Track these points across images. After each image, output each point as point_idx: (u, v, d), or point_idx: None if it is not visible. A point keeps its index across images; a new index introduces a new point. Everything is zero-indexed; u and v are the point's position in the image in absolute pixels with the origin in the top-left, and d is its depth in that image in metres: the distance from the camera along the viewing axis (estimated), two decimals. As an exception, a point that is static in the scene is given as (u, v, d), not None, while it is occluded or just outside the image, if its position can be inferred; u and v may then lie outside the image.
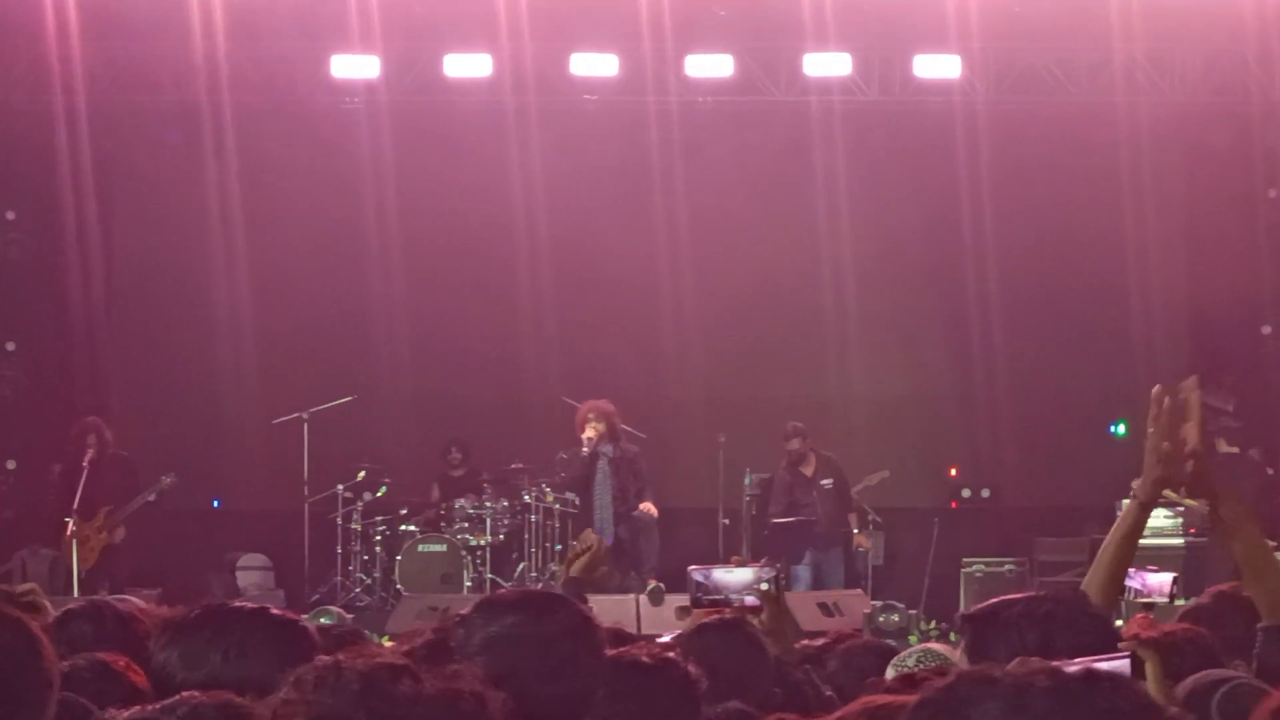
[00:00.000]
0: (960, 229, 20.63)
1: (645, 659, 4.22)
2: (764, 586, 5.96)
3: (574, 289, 20.52)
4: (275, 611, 4.29)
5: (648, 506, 17.62)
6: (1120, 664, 3.42)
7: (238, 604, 4.34)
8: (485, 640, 3.84)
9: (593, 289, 20.54)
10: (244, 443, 20.07)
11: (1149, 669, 3.53)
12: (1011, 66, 19.93)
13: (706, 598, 6.06)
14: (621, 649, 4.26)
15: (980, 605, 4.17)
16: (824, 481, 18.49)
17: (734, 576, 6.17)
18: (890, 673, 5.52)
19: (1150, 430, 4.69)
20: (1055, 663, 3.20)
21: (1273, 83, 20.22)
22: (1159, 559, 16.43)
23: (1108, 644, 3.88)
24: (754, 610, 5.78)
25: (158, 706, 3.30)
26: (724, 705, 4.65)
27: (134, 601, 6.23)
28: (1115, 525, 4.82)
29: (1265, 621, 4.75)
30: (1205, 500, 4.74)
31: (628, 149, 20.45)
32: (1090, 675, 2.41)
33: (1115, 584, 4.72)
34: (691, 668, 4.26)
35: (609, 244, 20.50)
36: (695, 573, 6.20)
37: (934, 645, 6.42)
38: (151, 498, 17.75)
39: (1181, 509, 16.89)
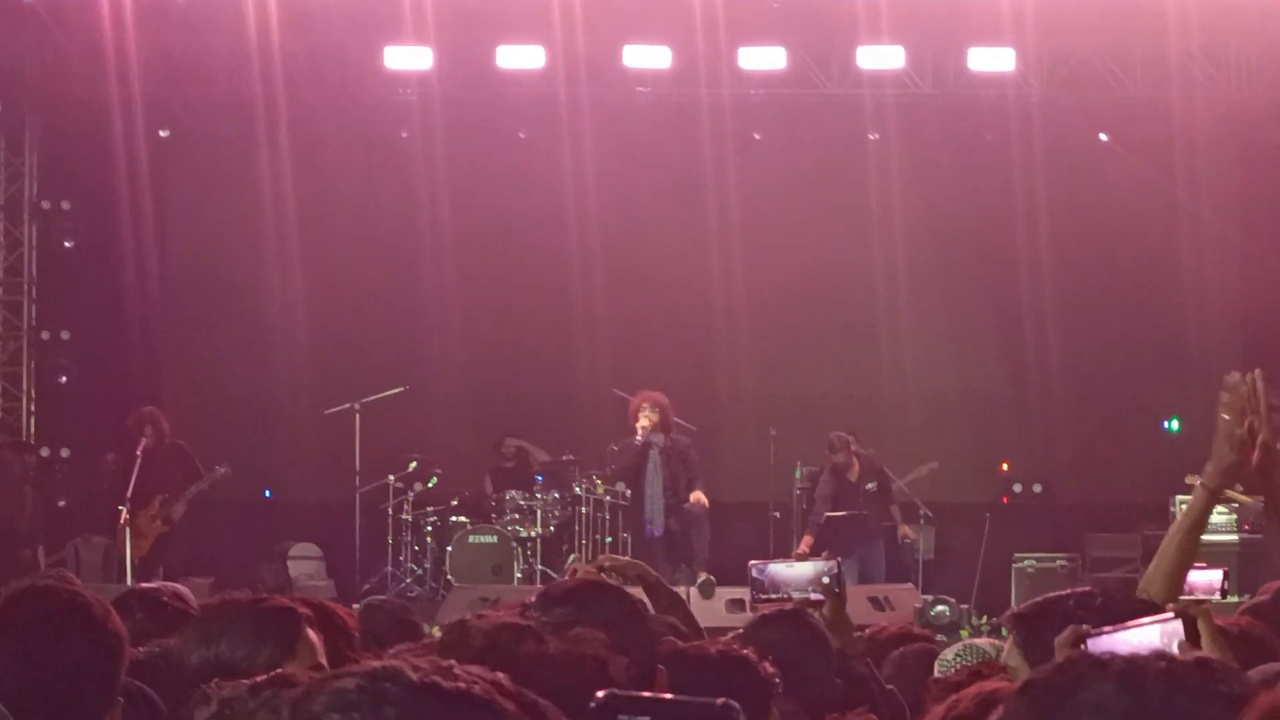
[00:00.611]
0: (1013, 224, 20.56)
1: (714, 653, 4.23)
2: (826, 580, 5.95)
3: (625, 282, 20.51)
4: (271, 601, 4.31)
5: (698, 496, 17.60)
6: (1174, 625, 3.40)
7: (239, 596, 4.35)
8: (542, 627, 3.86)
9: (644, 282, 20.54)
10: (296, 433, 20.14)
11: (1202, 626, 3.50)
12: (1065, 60, 19.85)
13: (763, 596, 6.05)
14: (691, 643, 4.27)
15: (1030, 602, 4.15)
16: (869, 486, 18.46)
17: (793, 571, 6.15)
18: (937, 670, 5.50)
19: (1224, 417, 4.63)
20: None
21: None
22: (1212, 555, 16.31)
23: None
24: (815, 605, 5.77)
25: (249, 683, 3.31)
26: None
27: (177, 589, 6.28)
28: (1181, 517, 4.76)
29: None
30: (1265, 494, 4.70)
31: (680, 142, 20.44)
32: (1203, 662, 2.40)
33: (1180, 579, 4.67)
34: (767, 666, 4.26)
35: (660, 237, 20.51)
36: (754, 569, 6.18)
37: (977, 641, 6.40)
38: (205, 487, 17.81)
39: (1236, 505, 16.87)
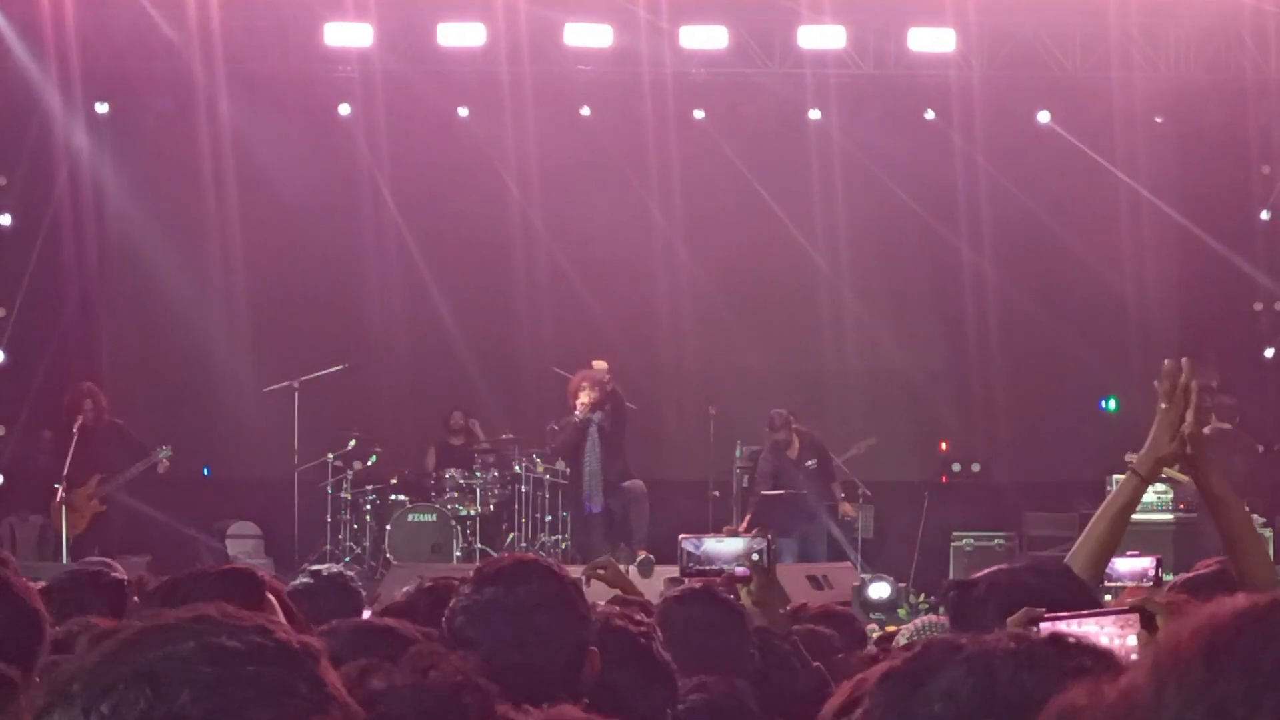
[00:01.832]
0: (954, 203, 20.64)
1: (638, 633, 4.24)
2: (755, 557, 5.96)
3: (567, 260, 20.52)
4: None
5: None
6: (1132, 618, 3.40)
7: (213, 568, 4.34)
8: (468, 608, 3.87)
9: (586, 260, 20.54)
10: (235, 411, 20.07)
11: (1161, 622, 3.50)
12: (1005, 40, 19.90)
13: (696, 568, 6.06)
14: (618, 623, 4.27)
15: (962, 576, 4.16)
16: (808, 462, 18.46)
17: (725, 547, 6.16)
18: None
19: (1163, 406, 4.66)
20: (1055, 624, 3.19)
21: (1267, 59, 20.21)
22: (1148, 535, 16.48)
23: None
24: (744, 580, 5.79)
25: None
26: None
27: (118, 568, 6.26)
28: (1110, 499, 4.79)
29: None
30: (1195, 468, 4.74)
31: (621, 120, 20.44)
32: (1056, 638, 2.39)
33: (1104, 559, 4.70)
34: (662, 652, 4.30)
35: (602, 215, 20.51)
36: (686, 542, 6.20)
37: (933, 618, 6.44)
38: (143, 468, 17.70)
39: (1171, 483, 16.98)
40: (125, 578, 6.03)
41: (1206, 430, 4.85)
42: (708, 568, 6.04)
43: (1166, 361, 4.78)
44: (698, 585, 5.65)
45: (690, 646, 4.55)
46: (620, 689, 4.10)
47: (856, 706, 2.45)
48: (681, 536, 6.29)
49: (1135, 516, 4.90)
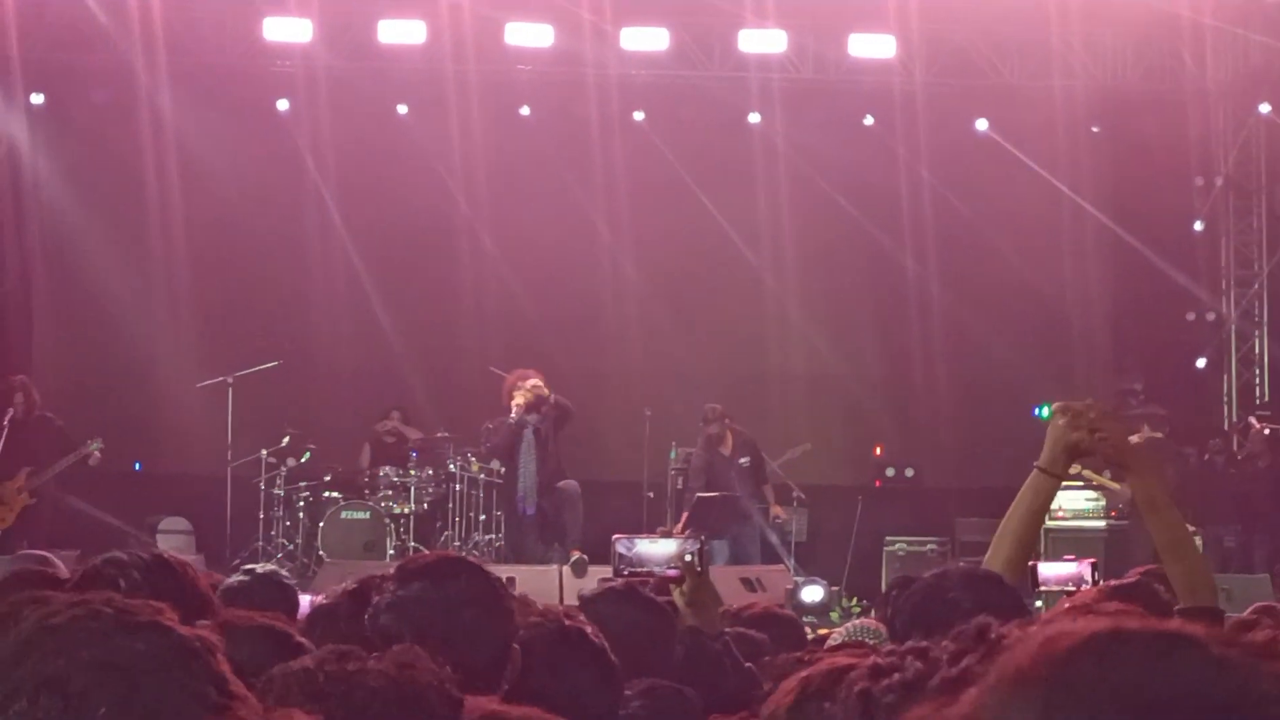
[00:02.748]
0: (894, 209, 20.72)
1: (569, 630, 4.23)
2: (688, 558, 5.95)
3: (505, 260, 20.48)
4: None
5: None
6: None
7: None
8: (393, 604, 3.85)
9: (525, 260, 20.52)
10: (168, 406, 19.95)
11: None
12: (945, 47, 20.01)
13: (629, 569, 6.05)
14: (539, 619, 4.26)
15: (895, 578, 4.16)
16: (741, 460, 18.42)
17: (658, 548, 6.15)
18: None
19: (1057, 406, 4.69)
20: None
21: (1203, 71, 20.38)
22: (1080, 542, 16.59)
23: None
24: (676, 581, 5.78)
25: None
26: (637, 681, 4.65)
27: (58, 565, 6.21)
28: (1019, 498, 4.78)
29: (1181, 604, 4.77)
30: (1129, 474, 4.74)
31: (562, 120, 20.45)
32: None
33: (1023, 560, 4.70)
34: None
35: (541, 215, 20.50)
36: (619, 543, 6.19)
37: (865, 621, 6.44)
38: (73, 463, 17.56)
39: (1104, 491, 17.08)
40: (66, 574, 5.97)
41: (1137, 438, 4.89)
42: (639, 569, 6.04)
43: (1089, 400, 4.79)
44: (618, 584, 5.65)
45: (611, 645, 4.54)
46: (572, 689, 4.10)
47: (809, 704, 2.45)
48: (615, 537, 6.28)
49: (1068, 524, 4.93)
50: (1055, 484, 4.76)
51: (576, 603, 5.51)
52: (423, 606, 3.81)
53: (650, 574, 5.90)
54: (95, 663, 2.01)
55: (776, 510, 18.49)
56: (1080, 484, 17.72)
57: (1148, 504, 4.71)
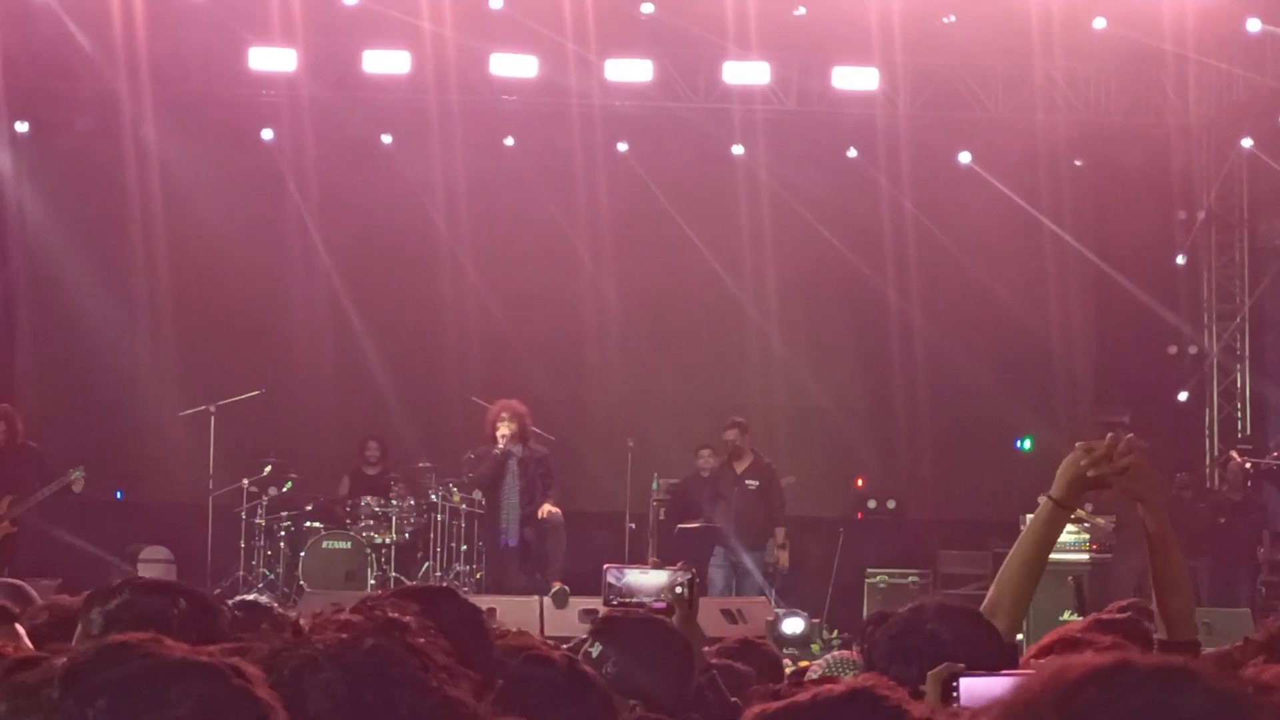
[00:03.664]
0: (877, 241, 20.76)
1: (559, 661, 4.24)
2: (679, 590, 5.94)
3: (489, 289, 20.50)
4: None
5: (548, 508, 17.52)
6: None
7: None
8: None
9: (508, 290, 20.54)
10: (150, 434, 19.93)
11: None
12: (929, 80, 20.06)
13: (618, 600, 6.05)
14: (525, 647, 4.26)
15: (876, 612, 4.16)
16: (749, 482, 18.35)
17: (648, 579, 6.15)
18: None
19: (1081, 445, 4.67)
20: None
21: (1186, 105, 20.45)
22: (1062, 575, 16.57)
23: (1001, 655, 3.92)
24: (664, 613, 5.77)
25: None
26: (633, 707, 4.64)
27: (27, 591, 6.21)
28: (1027, 530, 4.76)
29: (1163, 637, 4.77)
30: (1145, 506, 4.73)
31: (546, 151, 20.48)
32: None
33: (1027, 598, 4.69)
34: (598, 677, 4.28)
35: (525, 245, 20.53)
36: (609, 573, 6.18)
37: (844, 654, 6.44)
38: (56, 491, 17.51)
39: (1087, 525, 17.09)
40: (39, 603, 5.97)
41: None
42: (629, 600, 6.03)
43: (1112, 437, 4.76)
44: (639, 612, 5.63)
45: (637, 670, 4.54)
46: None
47: None
48: (606, 566, 6.28)
49: (1051, 556, 4.89)
50: (1066, 516, 4.76)
51: (561, 635, 5.51)
52: None
53: (640, 605, 5.89)
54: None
55: (780, 556, 18.24)
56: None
57: (1158, 538, 4.70)
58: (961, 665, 3.51)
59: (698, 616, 6.06)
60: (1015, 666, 3.77)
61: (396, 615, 2.65)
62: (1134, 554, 12.01)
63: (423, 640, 2.60)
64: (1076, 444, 4.70)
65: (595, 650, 5.06)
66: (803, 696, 2.54)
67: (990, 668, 3.63)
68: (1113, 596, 10.36)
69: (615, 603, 6.00)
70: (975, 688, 3.35)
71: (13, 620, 4.91)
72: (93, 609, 4.17)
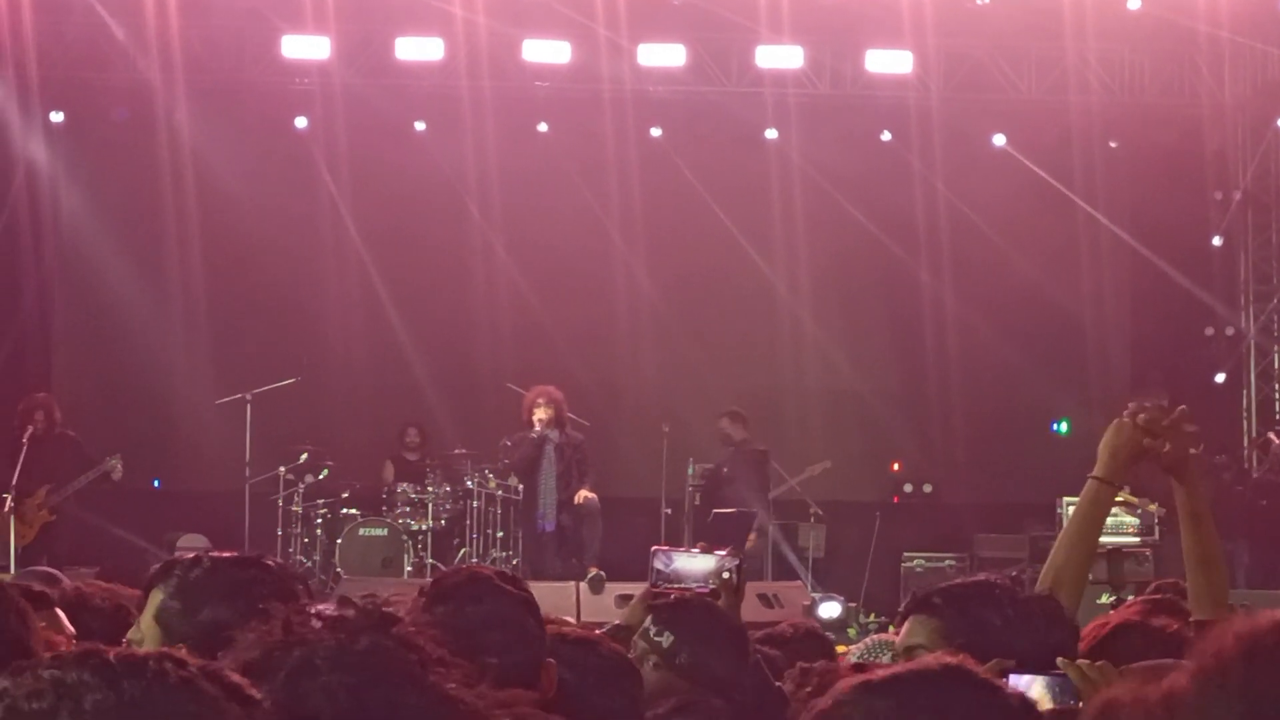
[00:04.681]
0: (911, 224, 20.71)
1: (599, 642, 4.23)
2: (726, 575, 5.92)
3: (523, 275, 20.50)
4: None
5: (584, 494, 17.55)
6: (1059, 680, 3.45)
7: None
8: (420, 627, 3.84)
9: (542, 276, 20.54)
10: (187, 423, 19.98)
11: (1083, 689, 3.52)
12: (962, 62, 20.01)
13: (665, 585, 6.03)
14: (577, 633, 4.27)
15: (955, 583, 4.07)
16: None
17: (696, 564, 6.12)
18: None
19: (1131, 407, 4.66)
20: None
21: (1221, 85, 20.36)
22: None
23: (1070, 642, 3.90)
24: (711, 598, 5.76)
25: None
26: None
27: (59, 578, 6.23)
28: (1076, 512, 4.72)
29: (1197, 616, 4.76)
30: (1183, 483, 4.72)
31: (579, 136, 20.46)
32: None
33: (1081, 581, 4.65)
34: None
35: (559, 231, 20.51)
36: (657, 556, 6.15)
37: (883, 636, 6.41)
38: (94, 479, 17.57)
39: (1137, 510, 17.00)
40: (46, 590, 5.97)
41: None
42: (675, 585, 6.01)
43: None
44: (692, 598, 5.61)
45: (711, 658, 4.52)
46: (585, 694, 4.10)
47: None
48: (654, 549, 6.25)
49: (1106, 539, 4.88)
50: (1114, 494, 4.73)
51: (598, 619, 5.49)
52: (447, 631, 3.78)
53: (686, 589, 5.87)
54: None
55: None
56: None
57: (1192, 516, 4.69)
58: (1011, 662, 3.49)
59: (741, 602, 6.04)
60: (1075, 655, 3.74)
61: (389, 609, 2.62)
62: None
63: (414, 633, 2.58)
64: (1119, 417, 4.69)
65: (666, 640, 5.04)
66: (902, 668, 2.52)
67: (1045, 658, 3.61)
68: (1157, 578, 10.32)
69: (661, 588, 5.97)
70: (1020, 684, 3.33)
71: (52, 605, 4.90)
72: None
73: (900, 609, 4.02)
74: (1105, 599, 13.07)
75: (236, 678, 2.21)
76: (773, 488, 19.07)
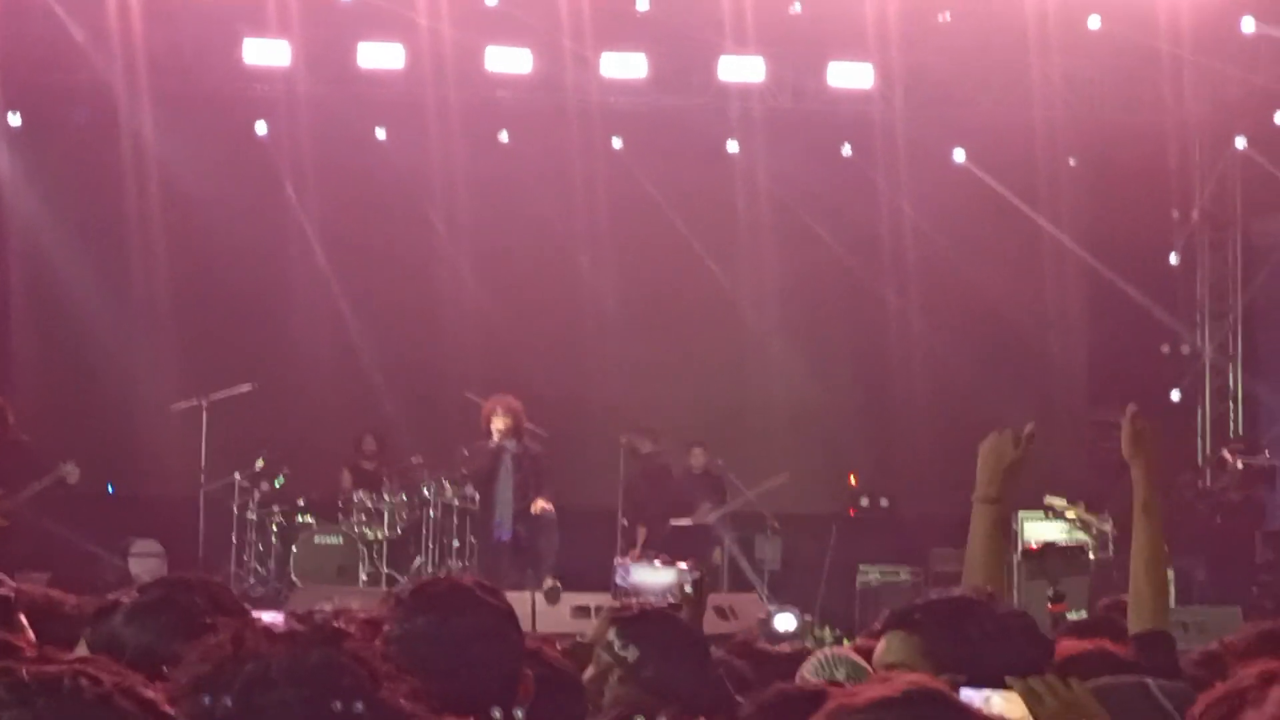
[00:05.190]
0: (871, 238, 20.76)
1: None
2: (687, 590, 5.92)
3: (483, 284, 20.47)
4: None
5: (542, 504, 17.52)
6: (1006, 696, 3.46)
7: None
8: (397, 639, 3.80)
9: (502, 284, 20.52)
10: (142, 428, 19.89)
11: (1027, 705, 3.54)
12: (924, 77, 20.05)
13: (625, 597, 6.01)
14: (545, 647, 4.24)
15: (935, 599, 4.06)
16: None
17: (656, 576, 6.11)
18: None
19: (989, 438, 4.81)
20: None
21: (1179, 105, 20.45)
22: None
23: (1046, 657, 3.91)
24: (673, 610, 5.74)
25: None
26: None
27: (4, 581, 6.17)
28: (970, 537, 4.82)
29: (1134, 625, 4.80)
30: (1143, 473, 4.84)
31: (540, 146, 20.45)
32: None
33: (1002, 589, 4.71)
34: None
35: (519, 241, 20.51)
36: (618, 569, 6.13)
37: (840, 650, 6.40)
38: (48, 485, 17.46)
39: (1080, 523, 17.07)
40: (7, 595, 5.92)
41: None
42: (633, 597, 5.99)
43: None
44: (654, 612, 5.59)
45: (676, 673, 4.51)
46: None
47: None
48: (617, 560, 6.24)
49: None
50: (999, 510, 4.85)
51: (554, 630, 5.48)
52: (427, 642, 3.75)
53: (646, 601, 5.84)
54: None
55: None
56: (1061, 516, 17.76)
57: (1144, 506, 4.76)
58: (962, 676, 3.49)
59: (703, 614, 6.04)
60: (1050, 669, 3.76)
61: (338, 624, 2.60)
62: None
63: (363, 647, 2.57)
64: (983, 441, 4.84)
65: (631, 654, 5.01)
66: (880, 691, 2.51)
67: (1024, 672, 3.62)
68: (1115, 593, 10.33)
69: (623, 599, 5.94)
70: (973, 698, 3.33)
71: (15, 610, 4.87)
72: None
73: (878, 624, 4.02)
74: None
75: (152, 693, 2.19)
76: (729, 499, 19.14)
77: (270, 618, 2.59)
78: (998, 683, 3.52)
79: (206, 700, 2.36)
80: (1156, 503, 4.83)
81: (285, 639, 2.49)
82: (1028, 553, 16.82)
